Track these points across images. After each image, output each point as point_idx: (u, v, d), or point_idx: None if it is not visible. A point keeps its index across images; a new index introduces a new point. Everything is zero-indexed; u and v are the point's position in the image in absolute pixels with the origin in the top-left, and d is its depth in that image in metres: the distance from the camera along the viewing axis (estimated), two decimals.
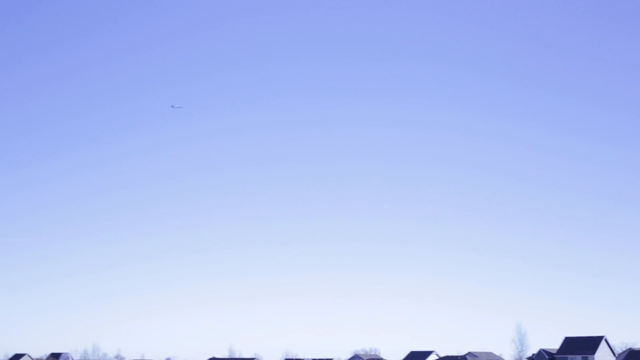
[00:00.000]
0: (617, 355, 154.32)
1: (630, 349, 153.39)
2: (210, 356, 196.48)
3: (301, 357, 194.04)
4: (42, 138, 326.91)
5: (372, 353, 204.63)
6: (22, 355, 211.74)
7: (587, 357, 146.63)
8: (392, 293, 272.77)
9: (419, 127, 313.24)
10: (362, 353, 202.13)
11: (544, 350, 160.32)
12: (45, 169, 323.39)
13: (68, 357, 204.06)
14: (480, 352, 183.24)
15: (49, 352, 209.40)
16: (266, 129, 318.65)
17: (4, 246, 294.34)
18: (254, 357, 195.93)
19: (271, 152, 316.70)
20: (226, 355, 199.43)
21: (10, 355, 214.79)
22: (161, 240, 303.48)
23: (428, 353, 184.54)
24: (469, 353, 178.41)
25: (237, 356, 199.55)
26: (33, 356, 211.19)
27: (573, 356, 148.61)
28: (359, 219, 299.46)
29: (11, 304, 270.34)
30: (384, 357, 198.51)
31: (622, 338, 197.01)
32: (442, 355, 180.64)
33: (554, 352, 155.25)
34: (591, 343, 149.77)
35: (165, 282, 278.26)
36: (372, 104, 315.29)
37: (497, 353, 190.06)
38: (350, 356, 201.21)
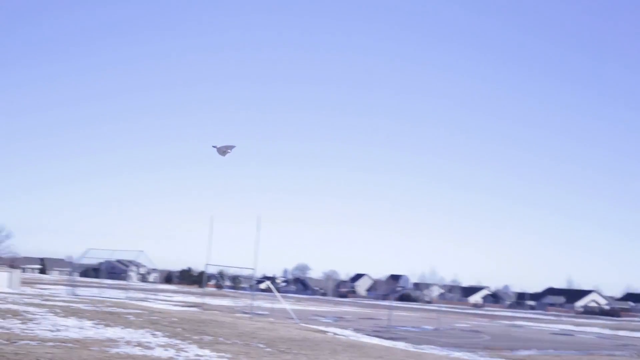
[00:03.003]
0: None
1: None
2: (548, 286, 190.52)
3: None
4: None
5: None
6: (362, 275, 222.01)
7: None
8: None
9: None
10: None
11: None
12: None
13: (407, 280, 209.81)
14: None
15: (388, 274, 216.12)
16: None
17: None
18: (592, 289, 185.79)
19: None
20: (564, 286, 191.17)
21: (352, 275, 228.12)
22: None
23: None
24: None
25: (575, 287, 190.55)
26: (373, 277, 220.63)
27: None
28: None
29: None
30: None
31: None
32: None
33: None
34: None
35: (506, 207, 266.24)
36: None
37: None
38: None
